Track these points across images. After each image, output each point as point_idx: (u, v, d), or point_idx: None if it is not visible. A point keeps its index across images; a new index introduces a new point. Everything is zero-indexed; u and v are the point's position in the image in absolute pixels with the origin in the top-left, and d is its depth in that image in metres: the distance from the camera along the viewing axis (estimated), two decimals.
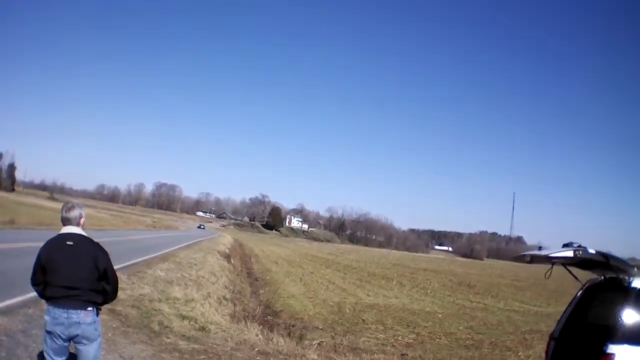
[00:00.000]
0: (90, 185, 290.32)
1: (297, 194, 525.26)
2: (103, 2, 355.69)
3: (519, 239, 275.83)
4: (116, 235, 49.94)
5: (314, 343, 14.06)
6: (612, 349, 6.64)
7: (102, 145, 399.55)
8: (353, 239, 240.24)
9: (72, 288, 5.85)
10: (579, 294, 8.52)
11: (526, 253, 8.25)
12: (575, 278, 8.62)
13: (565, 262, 7.83)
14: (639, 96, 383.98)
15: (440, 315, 26.00)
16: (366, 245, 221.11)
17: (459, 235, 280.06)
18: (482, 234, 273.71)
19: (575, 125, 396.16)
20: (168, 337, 11.18)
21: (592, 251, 7.02)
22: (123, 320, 11.82)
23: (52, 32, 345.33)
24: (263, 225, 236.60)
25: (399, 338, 18.58)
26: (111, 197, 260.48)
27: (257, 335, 13.06)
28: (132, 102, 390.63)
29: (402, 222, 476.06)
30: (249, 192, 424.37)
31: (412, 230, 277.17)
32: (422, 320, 23.73)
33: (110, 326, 10.81)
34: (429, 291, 40.30)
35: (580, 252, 7.02)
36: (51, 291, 5.86)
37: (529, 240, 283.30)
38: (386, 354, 14.85)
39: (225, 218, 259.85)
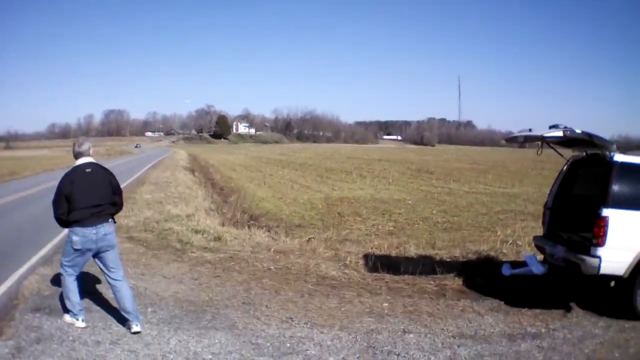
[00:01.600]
0: (42, 127, 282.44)
1: (242, 99, 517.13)
2: None
3: (469, 123, 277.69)
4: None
5: (304, 239, 14.29)
6: (606, 212, 7.62)
7: (47, 83, 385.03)
8: (301, 138, 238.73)
9: (98, 205, 7.11)
10: (564, 168, 9.46)
11: (519, 134, 9.12)
12: (560, 155, 9.49)
13: (553, 141, 8.69)
14: None
15: (410, 202, 26.07)
16: (315, 142, 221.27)
17: (407, 123, 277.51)
18: (431, 120, 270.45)
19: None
20: (193, 252, 12.06)
21: (578, 131, 7.93)
22: (145, 245, 12.58)
23: None
24: (211, 136, 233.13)
25: (379, 227, 18.52)
26: (63, 134, 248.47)
27: (264, 237, 13.95)
28: (69, 31, 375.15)
29: (348, 116, 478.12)
30: (194, 105, 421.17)
31: (359, 123, 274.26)
32: (394, 208, 23.84)
33: (139, 252, 11.79)
34: (390, 180, 40.45)
35: (569, 132, 7.88)
36: (78, 214, 6.95)
37: (479, 124, 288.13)
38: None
39: (173, 134, 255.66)
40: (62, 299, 7.50)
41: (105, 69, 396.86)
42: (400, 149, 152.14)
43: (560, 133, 7.92)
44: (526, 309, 8.05)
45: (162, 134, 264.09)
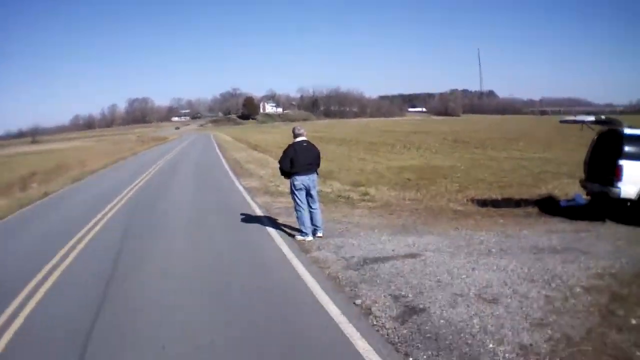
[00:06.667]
0: (65, 120, 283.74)
1: (267, 80, 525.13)
2: None
3: (491, 93, 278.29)
4: (143, 163, 44.96)
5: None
6: (621, 162, 13.05)
7: (68, 76, 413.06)
8: (328, 114, 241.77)
9: (310, 164, 12.42)
10: (595, 138, 14.94)
11: (569, 119, 15.15)
12: (592, 129, 15.09)
13: (590, 122, 14.53)
14: None
15: (462, 168, 29.55)
16: (342, 117, 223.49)
17: (430, 95, 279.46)
18: (453, 91, 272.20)
19: None
20: (359, 203, 17.78)
21: (603, 117, 14.10)
22: (323, 202, 16.49)
23: None
24: (239, 117, 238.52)
25: (447, 187, 21.53)
26: (88, 125, 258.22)
27: (388, 192, 19.31)
28: (86, 23, 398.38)
29: (372, 91, 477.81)
30: (219, 89, 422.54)
31: (383, 97, 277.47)
32: (451, 172, 27.10)
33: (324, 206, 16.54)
34: (434, 150, 44.38)
35: (602, 118, 13.74)
36: (298, 168, 12.20)
37: (500, 92, 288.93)
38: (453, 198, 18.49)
39: (200, 118, 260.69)
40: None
41: (127, 57, 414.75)
42: (427, 121, 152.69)
43: (593, 118, 13.83)
44: (579, 221, 13.22)
45: (188, 118, 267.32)
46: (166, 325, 7.53)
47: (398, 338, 6.60)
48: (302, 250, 11.62)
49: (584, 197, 15.24)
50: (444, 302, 7.52)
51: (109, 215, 17.44)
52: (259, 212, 16.95)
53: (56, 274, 10.78)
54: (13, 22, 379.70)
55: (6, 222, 18.31)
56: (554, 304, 7.17)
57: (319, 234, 12.59)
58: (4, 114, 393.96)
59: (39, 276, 10.56)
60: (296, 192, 12.35)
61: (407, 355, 6.13)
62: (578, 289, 7.62)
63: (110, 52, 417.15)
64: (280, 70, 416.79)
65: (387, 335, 6.74)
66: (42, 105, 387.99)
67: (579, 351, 5.74)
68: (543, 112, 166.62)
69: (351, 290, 8.55)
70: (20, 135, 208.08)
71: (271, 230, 13.84)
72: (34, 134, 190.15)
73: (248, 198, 20.15)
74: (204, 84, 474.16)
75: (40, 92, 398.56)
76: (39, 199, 23.73)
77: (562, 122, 16.54)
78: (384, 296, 8.08)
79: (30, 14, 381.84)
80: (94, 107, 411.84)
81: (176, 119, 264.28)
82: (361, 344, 6.46)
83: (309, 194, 12.46)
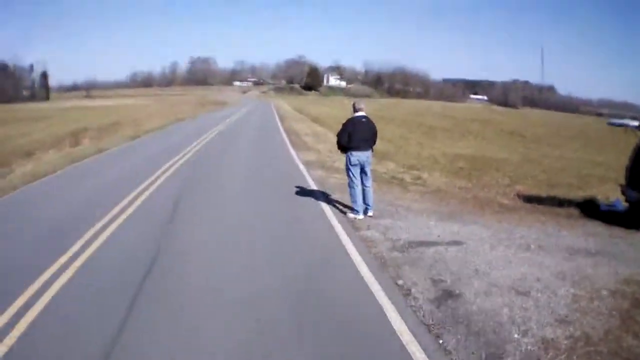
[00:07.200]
0: (122, 76, 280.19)
1: (333, 50, 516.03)
2: None
3: (551, 89, 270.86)
4: (200, 127, 44.37)
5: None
6: None
7: (130, 30, 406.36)
8: (391, 92, 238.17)
9: (366, 140, 12.71)
10: (638, 143, 14.71)
11: (615, 122, 15.65)
12: (636, 134, 15.57)
13: (635, 127, 14.95)
14: None
15: (514, 162, 30.09)
16: (404, 97, 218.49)
17: (491, 83, 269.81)
18: (515, 82, 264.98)
19: None
20: (411, 186, 18.36)
21: None
22: (376, 182, 17.27)
23: None
24: (302, 87, 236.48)
25: (498, 180, 21.97)
26: (146, 83, 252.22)
27: (440, 178, 20.00)
28: None
29: (436, 72, 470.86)
30: (284, 55, 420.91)
31: (446, 80, 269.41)
32: (503, 165, 27.66)
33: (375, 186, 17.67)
34: (490, 141, 44.49)
35: None
36: (355, 143, 12.51)
37: (560, 89, 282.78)
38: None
39: (263, 84, 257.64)
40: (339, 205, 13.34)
41: (191, 14, 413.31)
42: (487, 110, 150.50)
43: (637, 124, 14.33)
44: (616, 226, 13.37)
45: (251, 83, 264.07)
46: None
47: (432, 320, 7.34)
48: (353, 227, 12.32)
49: (623, 204, 15.30)
50: (479, 291, 8.19)
51: (162, 178, 18.34)
52: (313, 185, 17.79)
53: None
54: None
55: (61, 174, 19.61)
56: (579, 303, 7.71)
57: (370, 213, 13.00)
58: (59, 65, 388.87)
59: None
60: (351, 168, 12.69)
61: (438, 337, 6.87)
62: (604, 292, 8.12)
63: (174, 7, 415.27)
64: (348, 39, 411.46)
65: (423, 316, 7.49)
66: (99, 59, 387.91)
67: (595, 351, 6.26)
68: (599, 114, 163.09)
69: (394, 270, 9.34)
70: (74, 88, 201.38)
71: (324, 205, 14.59)
72: (88, 88, 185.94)
73: (304, 171, 21.07)
74: (269, 49, 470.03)
75: (98, 45, 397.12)
76: (91, 155, 24.95)
77: (609, 124, 17.03)
78: (424, 279, 8.82)
79: None
80: (154, 66, 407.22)
81: (238, 83, 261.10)
82: (397, 323, 7.24)
83: (363, 171, 12.82)
